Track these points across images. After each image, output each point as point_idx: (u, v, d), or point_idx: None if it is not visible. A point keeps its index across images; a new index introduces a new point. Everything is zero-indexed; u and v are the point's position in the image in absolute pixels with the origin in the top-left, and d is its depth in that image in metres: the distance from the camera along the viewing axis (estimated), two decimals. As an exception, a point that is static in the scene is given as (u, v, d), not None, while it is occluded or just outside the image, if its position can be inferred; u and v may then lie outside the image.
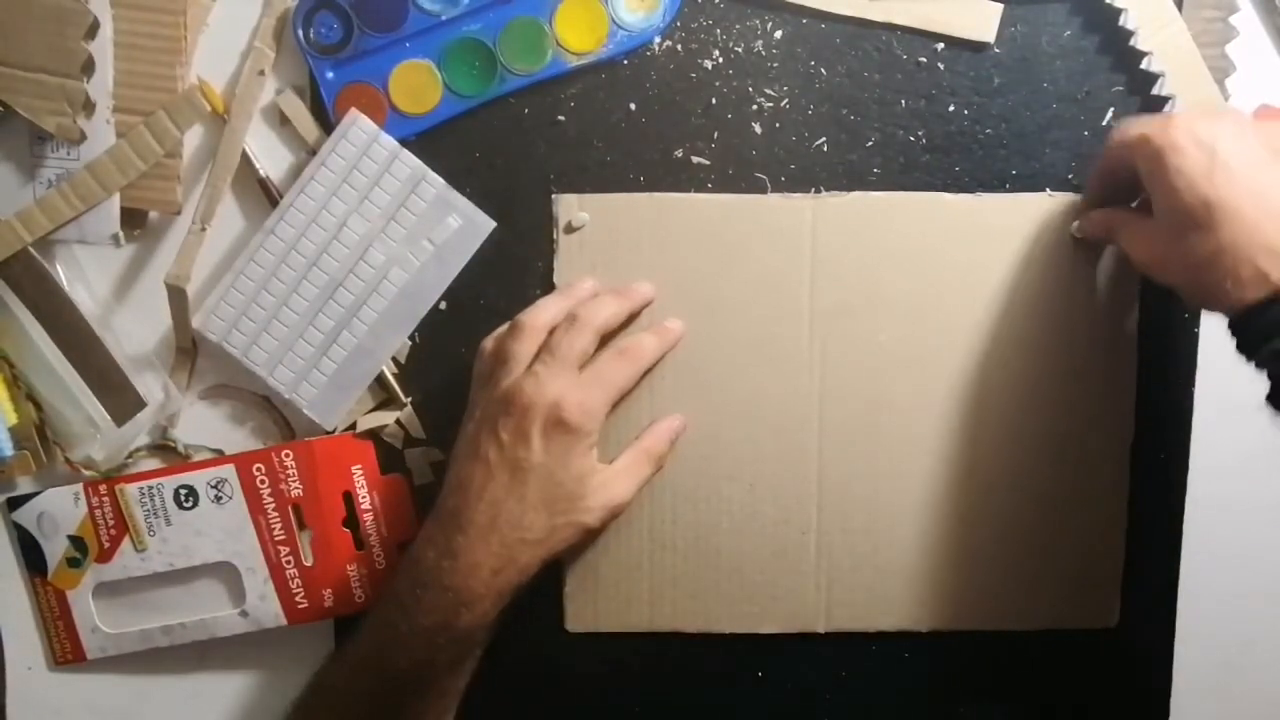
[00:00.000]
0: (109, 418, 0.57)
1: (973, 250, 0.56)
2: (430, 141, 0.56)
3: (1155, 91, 0.55)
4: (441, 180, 0.55)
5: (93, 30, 0.53)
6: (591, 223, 0.56)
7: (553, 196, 0.56)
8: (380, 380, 0.57)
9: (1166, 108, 0.55)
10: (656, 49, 0.56)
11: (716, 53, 0.56)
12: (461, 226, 0.56)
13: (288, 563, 0.57)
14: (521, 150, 0.56)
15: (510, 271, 0.56)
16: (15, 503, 0.57)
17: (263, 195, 0.56)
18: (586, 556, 0.56)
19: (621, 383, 0.53)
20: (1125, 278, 0.56)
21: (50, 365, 0.56)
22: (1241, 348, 0.45)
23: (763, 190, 0.56)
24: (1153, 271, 0.50)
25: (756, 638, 0.57)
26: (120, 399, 0.57)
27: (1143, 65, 0.55)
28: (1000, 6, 0.55)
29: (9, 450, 0.56)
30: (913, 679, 0.59)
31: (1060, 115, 0.56)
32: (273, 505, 0.57)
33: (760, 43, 0.56)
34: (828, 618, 0.57)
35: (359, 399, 0.57)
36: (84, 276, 0.57)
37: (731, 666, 0.58)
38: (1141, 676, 0.59)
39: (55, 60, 0.52)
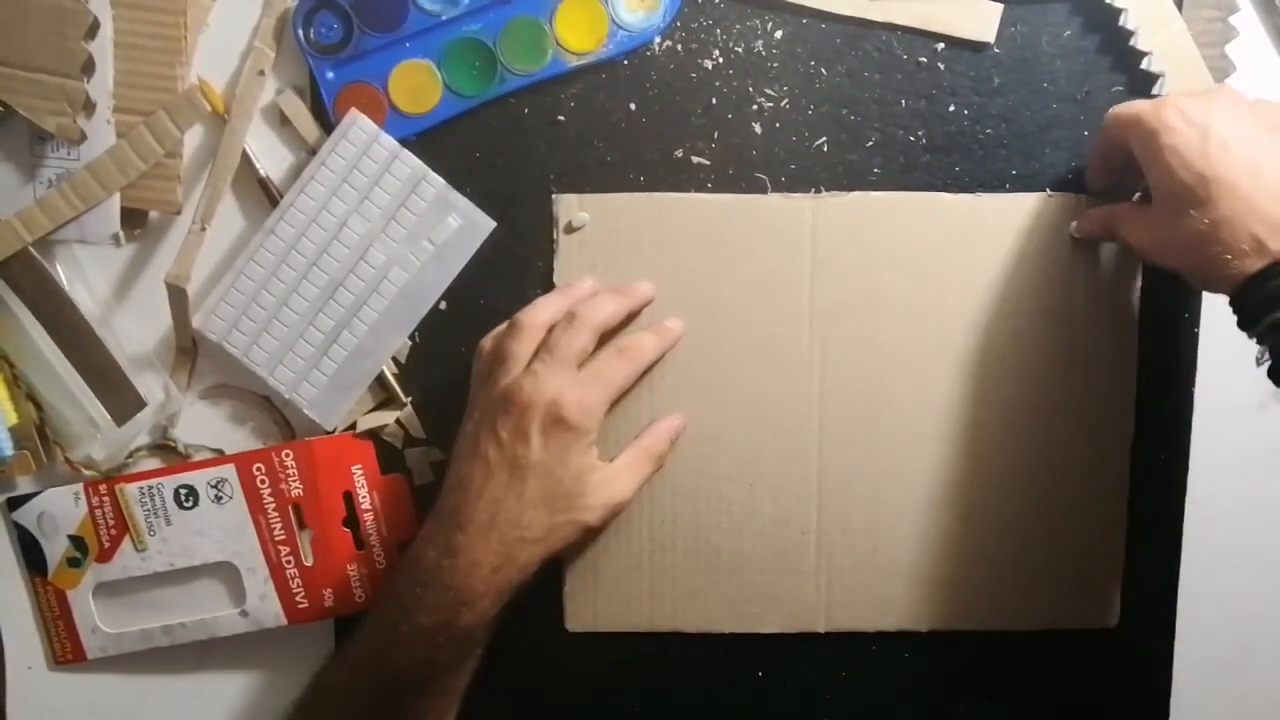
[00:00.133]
0: (109, 417, 0.57)
1: (973, 250, 0.56)
2: (430, 141, 0.56)
3: (1155, 91, 0.55)
4: (441, 180, 0.55)
5: (93, 30, 0.53)
6: (591, 223, 0.56)
7: (553, 196, 0.56)
8: (380, 380, 0.57)
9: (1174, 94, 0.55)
10: (656, 49, 0.56)
11: (716, 53, 0.56)
12: (461, 226, 0.56)
13: (288, 563, 0.57)
14: (521, 150, 0.56)
15: (510, 271, 0.56)
16: (15, 503, 0.57)
17: (263, 195, 0.56)
18: (586, 556, 0.56)
19: (621, 381, 0.53)
20: (1125, 277, 0.56)
21: (50, 365, 0.56)
22: (1242, 323, 0.46)
23: (763, 190, 0.56)
24: (1154, 256, 0.50)
25: (756, 638, 0.57)
26: (120, 399, 0.57)
27: (1143, 65, 0.55)
28: (1000, 6, 0.55)
29: (9, 450, 0.56)
30: (913, 679, 0.59)
31: (1060, 115, 0.56)
32: (273, 505, 0.57)
33: (760, 43, 0.56)
34: (828, 618, 0.57)
35: (359, 399, 0.57)
36: (84, 276, 0.57)
37: (731, 666, 0.58)
38: (1141, 676, 0.59)
39: (55, 60, 0.52)
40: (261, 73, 0.55)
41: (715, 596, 0.57)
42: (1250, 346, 0.55)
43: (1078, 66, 0.56)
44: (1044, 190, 0.56)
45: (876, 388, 0.56)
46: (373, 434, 0.57)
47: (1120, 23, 0.54)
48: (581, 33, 0.55)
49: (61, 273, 0.56)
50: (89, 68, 0.53)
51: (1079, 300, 0.56)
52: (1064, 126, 0.56)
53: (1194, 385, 0.57)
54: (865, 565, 0.57)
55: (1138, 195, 0.53)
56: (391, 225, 0.55)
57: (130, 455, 0.57)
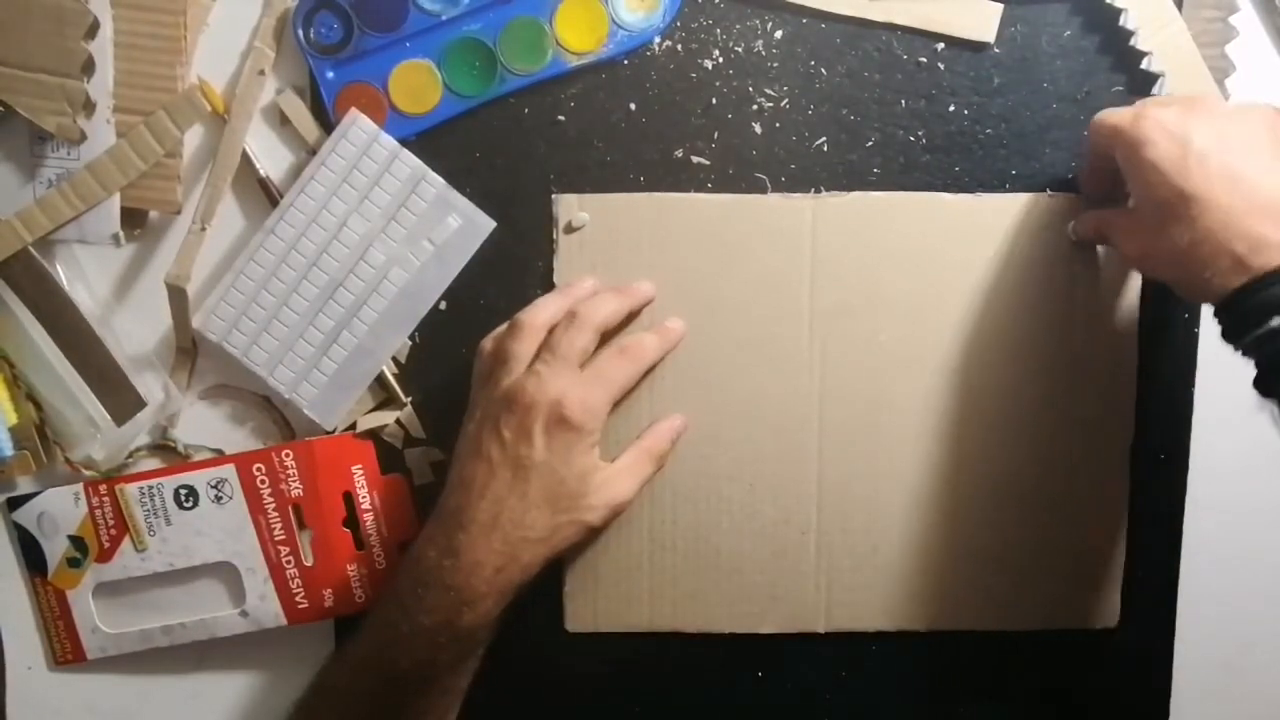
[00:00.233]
0: (109, 418, 0.57)
1: (973, 250, 0.56)
2: (430, 141, 0.56)
3: (1155, 91, 0.55)
4: (441, 180, 0.55)
5: (93, 30, 0.53)
6: (591, 223, 0.56)
7: (553, 196, 0.56)
8: (380, 380, 0.57)
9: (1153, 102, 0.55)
10: (656, 49, 0.56)
11: (716, 53, 0.56)
12: (461, 226, 0.56)
13: (288, 563, 0.57)
14: (521, 150, 0.56)
15: (510, 271, 0.56)
16: (15, 503, 0.57)
17: (263, 195, 0.56)
18: (586, 556, 0.56)
19: (623, 380, 0.53)
20: (1125, 278, 0.56)
21: (50, 365, 0.56)
22: (1227, 335, 0.46)
23: (763, 190, 0.56)
24: (1142, 266, 0.50)
25: (756, 638, 0.57)
26: (120, 399, 0.57)
27: (1143, 65, 0.55)
28: (1000, 6, 0.55)
29: (9, 450, 0.56)
30: (913, 679, 0.59)
31: (1060, 115, 0.56)
32: (273, 505, 0.57)
33: (760, 43, 0.56)
34: (828, 618, 0.57)
35: (359, 399, 0.57)
36: (84, 276, 0.57)
37: (731, 666, 0.58)
38: (1141, 676, 0.59)
39: (55, 60, 0.52)
40: (261, 73, 0.55)
41: (715, 596, 0.57)
42: (1250, 347, 0.55)
43: (1078, 66, 0.56)
44: (1044, 190, 0.56)
45: (876, 388, 0.56)
46: (373, 434, 0.57)
47: (1120, 23, 0.54)
48: (581, 33, 0.55)
49: (61, 273, 0.56)
50: (89, 68, 0.53)
51: (1079, 300, 0.56)
52: (1064, 126, 0.56)
53: (1194, 386, 0.57)
54: (865, 565, 0.57)
55: (1131, 201, 0.53)
56: (391, 225, 0.55)
57: (130, 455, 0.57)
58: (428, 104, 0.55)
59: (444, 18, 0.55)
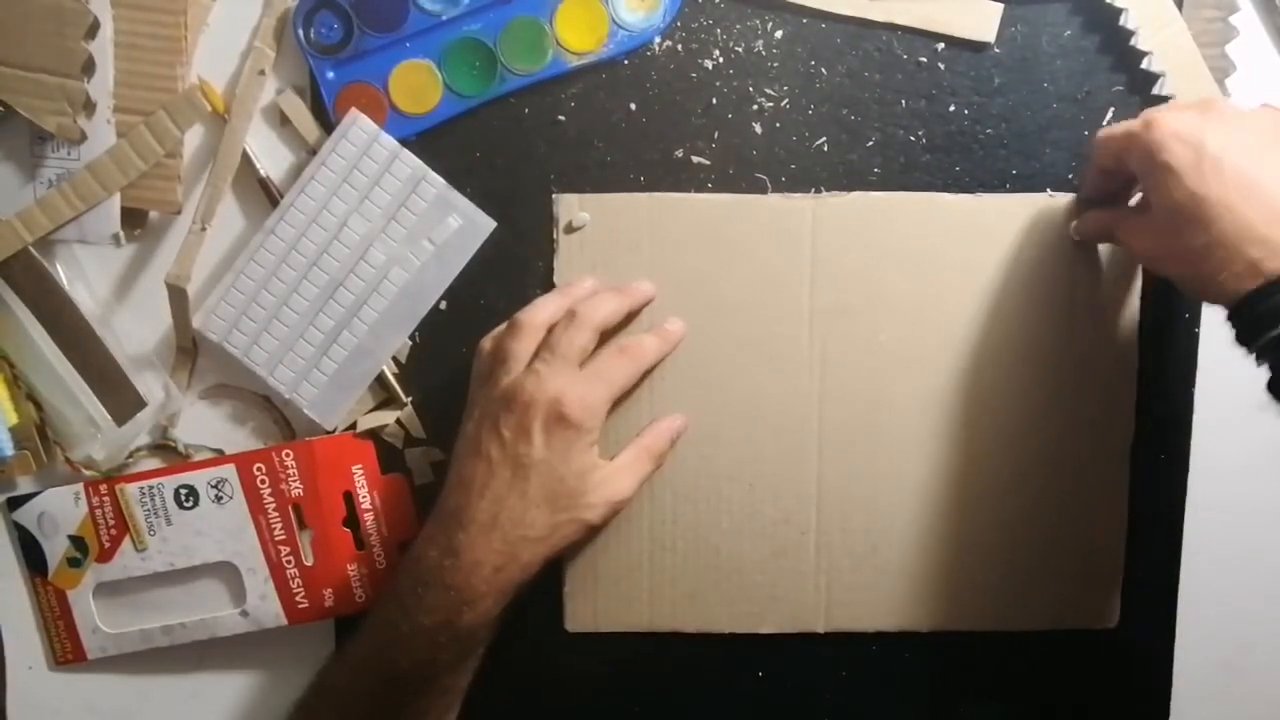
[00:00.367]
0: (109, 417, 0.57)
1: (973, 250, 0.56)
2: (430, 141, 0.56)
3: (1155, 91, 0.55)
4: (441, 180, 0.55)
5: (93, 30, 0.53)
6: (591, 223, 0.56)
7: (553, 196, 0.56)
8: (380, 380, 0.57)
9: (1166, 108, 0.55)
10: (656, 49, 0.56)
11: (716, 53, 0.56)
12: (461, 226, 0.56)
13: (288, 563, 0.57)
14: (521, 150, 0.56)
15: (510, 271, 0.57)
16: (15, 503, 0.57)
17: (263, 195, 0.56)
18: (586, 556, 0.56)
19: (622, 380, 0.53)
20: (1125, 278, 0.56)
21: (50, 365, 0.56)
22: (1239, 338, 0.46)
23: (763, 190, 0.56)
24: (1152, 265, 0.51)
25: (756, 638, 0.57)
26: (120, 399, 0.57)
27: (1143, 65, 0.55)
28: (1000, 6, 0.55)
29: (9, 450, 0.56)
30: (913, 679, 0.59)
31: (1060, 115, 0.56)
32: (273, 505, 0.57)
33: (760, 43, 0.56)
34: (827, 618, 0.57)
35: (359, 399, 0.57)
36: (84, 276, 0.57)
37: (731, 666, 0.58)
38: (1141, 676, 0.59)
39: (55, 60, 0.52)
40: (261, 73, 0.55)
41: (715, 597, 0.57)
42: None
43: (1078, 66, 0.56)
44: (1044, 190, 0.56)
45: (876, 388, 0.56)
46: (373, 434, 0.57)
47: (1120, 23, 0.54)
48: (581, 33, 0.55)
49: (61, 273, 0.56)
50: (89, 68, 0.53)
51: (1079, 300, 0.56)
52: (1064, 126, 0.56)
53: (1194, 386, 0.57)
54: (865, 565, 0.57)
55: (1138, 197, 0.53)
56: (391, 225, 0.55)
57: (130, 455, 0.57)
58: (428, 104, 0.55)
59: (444, 18, 0.55)
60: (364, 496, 0.57)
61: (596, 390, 0.52)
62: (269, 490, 0.57)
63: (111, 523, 0.57)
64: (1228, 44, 0.55)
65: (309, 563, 0.57)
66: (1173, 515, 0.58)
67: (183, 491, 0.57)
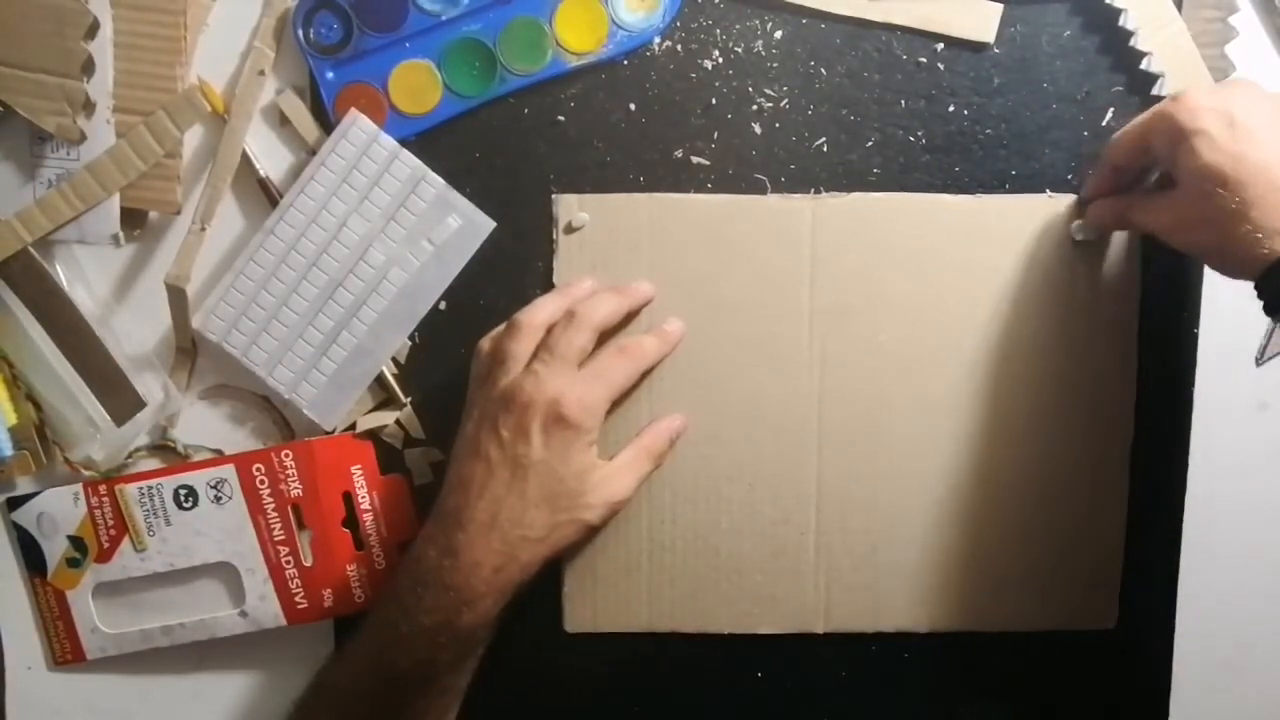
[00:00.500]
0: (109, 418, 0.57)
1: (973, 251, 0.56)
2: (430, 141, 0.56)
3: (1155, 91, 0.55)
4: (441, 180, 0.55)
5: (93, 30, 0.53)
6: (591, 223, 0.56)
7: (553, 196, 0.56)
8: (380, 380, 0.57)
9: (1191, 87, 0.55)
10: (656, 49, 0.56)
11: (716, 53, 0.56)
12: (461, 226, 0.56)
13: (287, 563, 0.57)
14: (521, 150, 0.56)
15: (510, 271, 0.56)
16: (15, 503, 0.57)
17: (263, 195, 0.56)
18: (585, 556, 0.56)
19: (621, 380, 0.53)
20: (1125, 278, 0.56)
21: (50, 365, 0.56)
22: (1269, 308, 0.46)
23: (763, 190, 0.56)
24: (1176, 238, 0.50)
25: (756, 638, 0.57)
26: (120, 399, 0.57)
27: (1143, 65, 0.55)
28: (1000, 6, 0.55)
29: (9, 450, 0.56)
30: (913, 679, 0.59)
31: (1060, 115, 0.56)
32: (272, 505, 0.57)
33: (760, 43, 0.56)
34: (827, 618, 0.57)
35: (359, 399, 0.57)
36: (84, 276, 0.57)
37: (731, 666, 0.58)
38: (1141, 676, 0.59)
39: (55, 60, 0.52)
40: (261, 73, 0.55)
41: (714, 597, 0.57)
42: (1249, 346, 0.56)
43: (1078, 66, 0.56)
44: (1044, 190, 0.56)
45: (876, 388, 0.56)
46: (372, 434, 0.57)
47: (1120, 23, 0.54)
48: (581, 33, 0.55)
49: (61, 273, 0.56)
50: (89, 68, 0.53)
51: (1079, 301, 0.56)
52: (1064, 126, 0.56)
53: (1193, 385, 0.57)
54: (865, 565, 0.57)
55: (1154, 178, 0.53)
56: (391, 225, 0.55)
57: (130, 455, 0.57)
58: (428, 104, 0.55)
59: (444, 18, 0.55)
60: (363, 497, 0.57)
61: (595, 390, 0.52)
62: (268, 491, 0.57)
63: (111, 523, 0.57)
64: (1227, 44, 0.55)
65: (308, 563, 0.57)
66: (1173, 515, 0.58)
67: (182, 492, 0.57)
